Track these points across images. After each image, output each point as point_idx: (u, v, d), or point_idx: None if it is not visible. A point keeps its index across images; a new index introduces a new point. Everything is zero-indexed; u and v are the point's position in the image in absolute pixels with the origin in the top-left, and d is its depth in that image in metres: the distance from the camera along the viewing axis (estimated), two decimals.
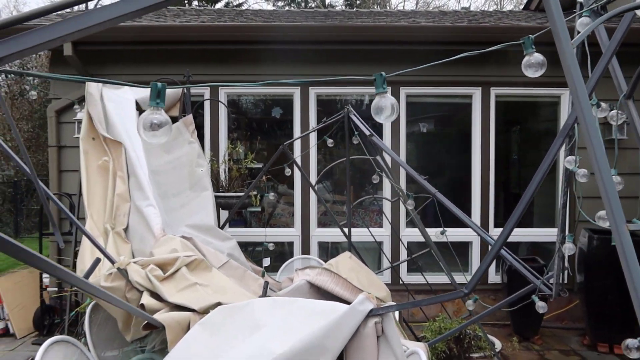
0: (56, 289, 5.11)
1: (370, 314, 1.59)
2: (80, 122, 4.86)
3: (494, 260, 5.45)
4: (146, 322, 2.06)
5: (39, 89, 14.12)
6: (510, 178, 7.36)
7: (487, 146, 5.42)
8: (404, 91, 5.36)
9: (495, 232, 5.48)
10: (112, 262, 2.33)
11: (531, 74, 1.14)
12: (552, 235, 5.22)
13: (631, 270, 0.96)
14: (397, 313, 2.92)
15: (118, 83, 2.44)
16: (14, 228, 13.28)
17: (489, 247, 4.92)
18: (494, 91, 5.40)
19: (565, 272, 5.46)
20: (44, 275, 5.22)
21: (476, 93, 5.40)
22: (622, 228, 0.95)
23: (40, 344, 4.79)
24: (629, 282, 0.96)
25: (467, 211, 5.44)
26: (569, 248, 1.94)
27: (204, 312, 2.08)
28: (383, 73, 1.11)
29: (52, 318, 5.11)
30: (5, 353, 4.66)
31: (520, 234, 5.59)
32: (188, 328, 2.06)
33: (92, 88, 3.61)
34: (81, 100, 5.08)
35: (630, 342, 1.15)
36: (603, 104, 1.66)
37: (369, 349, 1.58)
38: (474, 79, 5.31)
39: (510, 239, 5.20)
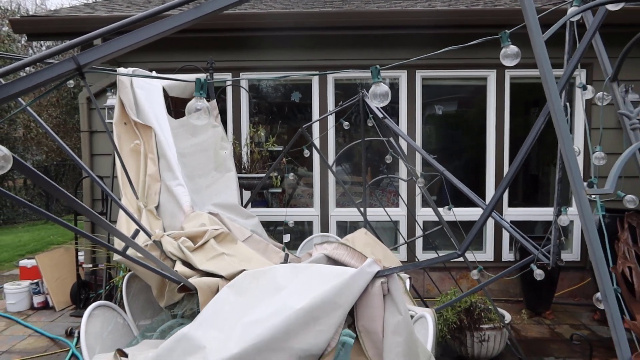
0: (91, 265, 5.46)
1: (377, 275, 1.80)
2: (110, 108, 5.14)
3: (510, 240, 5.61)
4: (180, 285, 2.31)
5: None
6: (526, 159, 7.44)
7: (501, 128, 5.54)
8: (419, 74, 5.49)
9: (509, 212, 5.63)
10: (148, 235, 2.58)
11: (508, 63, 1.32)
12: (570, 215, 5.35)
13: (589, 232, 1.14)
14: (407, 282, 3.12)
15: (148, 76, 2.66)
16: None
17: (502, 228, 5.03)
18: (508, 73, 5.49)
19: (579, 248, 5.55)
20: (80, 252, 5.57)
21: (491, 75, 5.50)
22: (581, 193, 1.13)
23: (78, 316, 5.17)
24: (588, 244, 1.15)
25: (482, 192, 5.59)
26: (563, 220, 2.11)
27: (231, 278, 2.32)
28: (377, 66, 1.30)
29: (88, 292, 5.47)
30: (46, 323, 5.03)
31: (537, 213, 5.72)
32: (217, 292, 2.30)
33: (123, 76, 3.86)
34: (112, 86, 5.35)
35: (597, 295, 1.33)
36: (589, 87, 1.81)
37: (376, 305, 1.80)
38: (489, 61, 5.39)
39: (527, 218, 5.33)
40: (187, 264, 2.54)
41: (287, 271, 2.11)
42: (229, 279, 2.35)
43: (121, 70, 3.98)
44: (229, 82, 5.43)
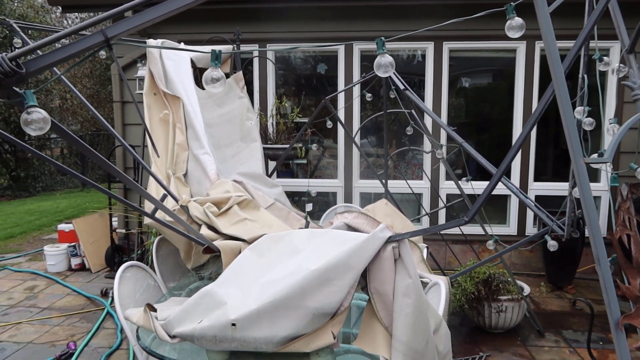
0: (124, 230, 5.72)
1: (389, 240, 1.88)
2: (140, 79, 5.28)
3: (535, 214, 5.59)
4: (205, 247, 2.45)
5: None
6: (556, 134, 7.31)
7: (529, 101, 5.46)
8: (446, 46, 5.43)
9: (534, 186, 5.59)
10: (176, 200, 2.72)
11: (512, 35, 1.34)
12: (595, 190, 5.28)
13: (586, 199, 1.19)
14: (425, 251, 3.20)
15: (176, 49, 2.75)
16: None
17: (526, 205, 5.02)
18: (538, 45, 5.38)
19: (606, 223, 5.48)
20: (114, 218, 5.83)
21: (520, 47, 5.40)
22: (579, 162, 1.18)
23: (112, 278, 5.43)
24: (584, 207, 1.20)
25: (508, 167, 5.55)
26: (577, 192, 2.13)
27: (252, 241, 2.44)
28: (382, 38, 1.36)
29: (121, 256, 5.75)
30: (83, 284, 5.33)
31: (561, 188, 5.66)
32: (239, 254, 2.43)
33: (152, 48, 3.97)
34: (142, 58, 5.49)
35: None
36: (606, 58, 1.81)
37: (387, 269, 1.88)
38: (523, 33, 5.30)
39: (554, 193, 5.29)
40: (212, 228, 2.67)
41: (305, 236, 2.21)
42: (250, 242, 2.47)
43: (150, 41, 4.09)
44: (256, 54, 5.49)
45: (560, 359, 3.71)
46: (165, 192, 3.16)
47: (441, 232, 5.25)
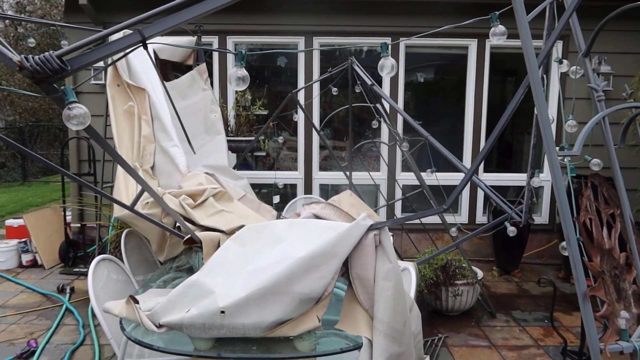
0: (79, 225, 5.56)
1: (370, 228, 2.01)
2: (95, 68, 5.14)
3: (484, 204, 5.92)
4: (186, 238, 2.48)
5: (34, 34, 14.11)
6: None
7: (480, 96, 5.75)
8: (403, 42, 5.62)
9: (484, 177, 5.91)
10: (153, 194, 2.72)
11: (496, 41, 1.49)
12: (542, 180, 5.65)
13: (558, 187, 1.35)
14: (391, 239, 3.35)
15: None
16: (21, 173, 13.68)
17: (477, 189, 5.32)
18: (489, 43, 5.66)
19: (548, 212, 5.89)
20: (67, 212, 5.65)
21: (472, 45, 5.67)
22: (553, 155, 1.34)
23: (68, 274, 5.29)
24: (557, 194, 1.36)
25: (459, 157, 5.84)
26: (535, 182, 2.34)
27: (231, 232, 2.50)
28: (387, 42, 1.46)
29: (76, 251, 5.60)
30: (37, 281, 5.16)
31: (510, 179, 6.02)
32: (218, 245, 2.49)
33: (115, 37, 3.90)
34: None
35: (563, 243, 1.56)
36: (565, 61, 2.00)
37: (369, 255, 2.01)
38: (471, 30, 5.56)
39: (500, 184, 5.63)
40: (188, 220, 2.70)
41: (286, 225, 2.29)
42: (229, 233, 2.53)
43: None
44: (215, 47, 5.47)
45: (511, 337, 3.99)
46: (133, 189, 3.15)
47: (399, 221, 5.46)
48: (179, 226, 2.65)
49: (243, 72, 1.37)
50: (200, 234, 2.45)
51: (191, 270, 3.02)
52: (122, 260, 3.21)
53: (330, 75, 4.17)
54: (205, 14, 1.27)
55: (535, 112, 2.29)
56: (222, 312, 1.92)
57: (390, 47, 1.51)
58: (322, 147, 5.91)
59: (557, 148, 1.68)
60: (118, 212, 2.92)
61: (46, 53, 0.98)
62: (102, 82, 4.45)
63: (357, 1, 5.39)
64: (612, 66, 5.51)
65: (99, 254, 5.08)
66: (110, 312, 2.28)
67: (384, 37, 5.60)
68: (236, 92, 5.50)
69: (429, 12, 5.44)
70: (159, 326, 2.03)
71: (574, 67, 1.99)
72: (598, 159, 2.02)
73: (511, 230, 2.53)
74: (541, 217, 5.97)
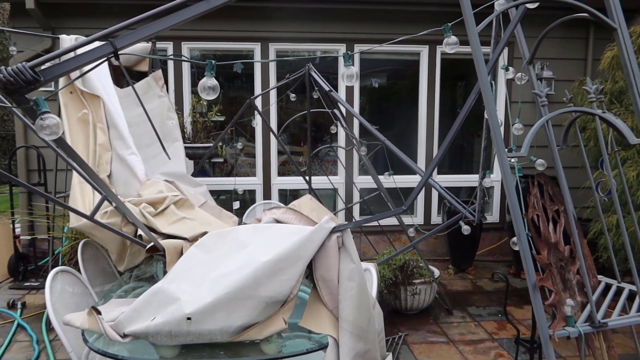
0: (29, 237, 5.36)
1: (333, 230, 2.07)
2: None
3: (438, 205, 6.12)
4: (149, 247, 2.46)
5: None
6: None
7: (432, 100, 5.95)
8: (357, 48, 5.74)
9: (438, 179, 6.11)
10: (110, 202, 2.67)
11: (449, 50, 1.59)
12: (492, 180, 5.90)
13: (509, 189, 1.45)
14: None
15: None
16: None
17: (432, 190, 5.47)
18: (439, 49, 5.87)
19: (498, 211, 6.12)
20: (16, 224, 5.43)
21: (424, 51, 5.86)
22: (503, 156, 1.44)
23: (18, 289, 5.09)
24: (507, 193, 1.46)
25: (414, 160, 6.01)
26: (486, 182, 2.47)
27: (194, 239, 2.51)
28: (349, 52, 1.53)
29: (26, 265, 5.38)
30: None
31: (462, 180, 6.25)
32: (181, 253, 2.49)
33: (66, 42, 3.81)
34: (47, 52, 5.17)
35: (514, 239, 1.66)
36: (511, 68, 2.14)
37: (332, 256, 2.07)
38: (422, 37, 5.75)
39: (453, 184, 5.84)
40: (149, 228, 2.68)
41: (250, 230, 2.32)
42: (192, 240, 2.53)
43: (63, 37, 3.91)
44: (170, 53, 5.42)
45: (468, 332, 4.15)
46: (89, 197, 3.09)
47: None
48: (139, 235, 2.62)
49: (213, 81, 1.40)
50: (163, 242, 2.45)
51: (152, 280, 2.99)
52: (79, 272, 3.14)
53: (287, 82, 4.23)
54: (178, 24, 1.29)
55: (486, 115, 2.42)
56: (189, 318, 1.93)
57: (350, 55, 1.58)
58: (280, 153, 5.94)
59: (506, 150, 1.80)
60: (75, 222, 2.86)
61: (19, 64, 0.97)
62: (52, 89, 4.32)
63: (312, 8, 5.46)
64: (554, 71, 5.83)
65: (52, 266, 4.92)
66: (72, 324, 2.24)
67: (339, 43, 5.71)
68: (192, 98, 5.46)
69: (382, 19, 5.60)
70: (124, 336, 2.01)
71: (519, 73, 2.13)
72: (543, 159, 2.16)
73: (465, 229, 2.65)
74: (492, 216, 6.22)
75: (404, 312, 4.48)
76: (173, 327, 1.94)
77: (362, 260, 5.01)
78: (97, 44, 1.26)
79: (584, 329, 1.54)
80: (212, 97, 1.42)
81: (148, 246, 2.47)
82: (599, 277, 2.01)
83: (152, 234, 2.55)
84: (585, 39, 5.95)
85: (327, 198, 6.27)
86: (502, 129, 5.78)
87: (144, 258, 2.90)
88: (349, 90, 5.78)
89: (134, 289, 2.80)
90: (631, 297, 1.92)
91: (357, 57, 5.79)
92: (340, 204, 5.86)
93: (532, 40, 2.16)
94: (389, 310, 4.54)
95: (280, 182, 5.94)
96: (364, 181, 5.85)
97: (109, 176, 3.41)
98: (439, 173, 6.18)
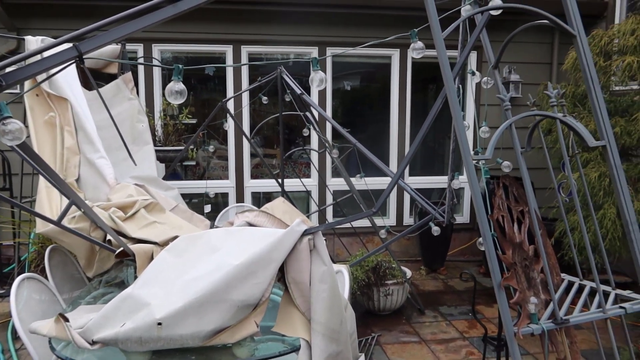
0: None
1: (305, 233, 2.08)
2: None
3: (410, 206, 6.19)
4: (118, 252, 2.43)
5: None
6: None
7: (403, 103, 6.03)
8: (329, 51, 5.78)
9: (410, 180, 6.19)
10: (79, 207, 2.63)
11: (416, 55, 1.63)
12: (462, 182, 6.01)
13: (475, 191, 1.49)
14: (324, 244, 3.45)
15: None
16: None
17: (404, 192, 5.55)
18: (410, 53, 5.95)
19: (469, 212, 6.23)
20: None
21: (395, 55, 5.94)
22: (468, 159, 1.48)
23: None
24: (473, 195, 1.50)
25: (386, 161, 6.08)
26: (455, 184, 2.52)
27: (165, 244, 2.48)
28: (316, 57, 1.54)
29: None
30: None
31: (433, 181, 6.34)
32: (152, 257, 2.46)
33: (32, 44, 3.72)
34: (12, 53, 5.04)
35: (479, 239, 1.71)
36: (477, 73, 2.20)
37: (304, 259, 2.08)
38: (394, 41, 5.82)
39: (424, 186, 5.92)
40: (119, 233, 2.64)
41: (221, 234, 2.31)
42: (162, 245, 2.50)
43: (28, 39, 3.82)
44: (140, 55, 5.35)
45: (439, 331, 4.22)
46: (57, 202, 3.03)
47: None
48: (109, 240, 2.58)
49: (180, 86, 1.40)
50: (133, 247, 2.41)
51: (122, 285, 2.95)
52: (46, 278, 3.07)
53: (259, 85, 4.22)
54: (144, 29, 1.29)
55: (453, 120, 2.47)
56: (159, 323, 1.91)
57: (318, 60, 1.60)
58: (253, 155, 5.93)
59: (472, 152, 1.84)
60: (41, 227, 2.79)
61: None
62: (16, 91, 4.21)
63: (284, 11, 5.47)
64: (521, 75, 5.98)
65: (18, 273, 4.79)
66: (38, 332, 2.19)
67: (311, 46, 5.73)
68: (163, 100, 5.40)
69: (354, 23, 5.64)
70: (93, 343, 1.98)
71: (485, 78, 2.19)
72: (510, 161, 2.22)
73: (435, 230, 2.70)
74: (463, 217, 6.34)
75: (377, 313, 4.52)
76: (143, 332, 1.92)
77: (335, 262, 5.05)
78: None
79: (546, 325, 1.59)
80: (179, 101, 1.41)
81: (117, 251, 2.43)
82: (563, 275, 2.08)
83: (122, 238, 2.52)
84: (550, 44, 6.13)
85: (300, 200, 6.29)
86: (470, 131, 5.90)
87: (113, 263, 2.86)
88: (322, 92, 5.81)
89: (104, 295, 2.76)
90: (594, 293, 1.99)
91: (329, 60, 5.82)
92: (314, 207, 5.88)
93: (499, 45, 2.23)
94: (363, 312, 4.57)
95: (253, 185, 5.93)
96: (337, 183, 5.88)
97: (77, 180, 3.34)
98: (410, 175, 6.26)
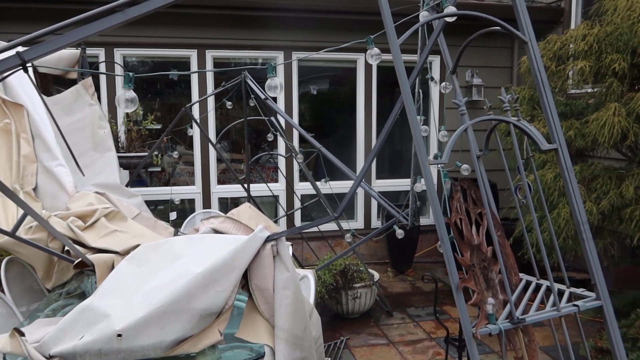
0: None
1: (268, 239, 2.07)
2: None
3: (378, 209, 6.25)
4: (76, 262, 2.36)
5: None
6: (390, 137, 8.21)
7: (369, 106, 6.08)
8: (295, 55, 5.79)
9: (377, 183, 6.25)
10: (37, 217, 2.55)
11: (372, 62, 1.65)
12: (424, 185, 6.10)
13: (431, 195, 1.52)
14: (290, 249, 3.45)
15: None
16: None
17: (371, 197, 5.57)
18: (368, 59, 6.01)
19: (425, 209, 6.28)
20: None
21: (360, 59, 5.99)
22: (425, 163, 1.50)
23: None
24: (430, 198, 1.52)
25: (354, 166, 6.11)
26: (417, 187, 2.56)
27: (126, 253, 2.42)
28: (273, 63, 1.55)
29: None
30: None
31: (401, 184, 6.41)
32: (112, 267, 2.40)
33: None
34: None
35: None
36: (435, 77, 2.24)
37: (267, 265, 2.07)
38: (359, 45, 5.86)
39: (392, 189, 5.98)
40: (78, 243, 2.57)
41: (184, 241, 2.28)
42: (123, 254, 2.44)
43: None
44: (102, 59, 5.24)
45: (407, 333, 4.27)
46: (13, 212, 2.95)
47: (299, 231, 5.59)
48: (67, 250, 2.51)
49: (131, 94, 1.38)
50: (92, 257, 2.36)
51: (83, 296, 2.87)
52: (2, 292, 2.97)
53: (225, 89, 4.19)
54: (91, 36, 1.26)
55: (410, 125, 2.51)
56: (119, 335, 1.87)
57: (273, 67, 1.60)
58: (219, 161, 5.87)
59: (432, 156, 1.87)
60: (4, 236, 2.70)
61: None
62: None
63: (249, 15, 5.45)
64: (483, 79, 6.12)
65: None
66: None
67: (277, 50, 5.73)
68: None
69: (320, 27, 5.66)
70: (50, 357, 1.92)
71: (444, 82, 2.23)
72: (471, 164, 2.27)
73: (399, 233, 2.73)
74: (429, 219, 6.43)
75: (345, 317, 4.54)
76: (103, 345, 1.88)
77: (304, 266, 5.05)
78: (8, 53, 1.21)
79: (504, 325, 1.63)
80: (131, 109, 1.39)
81: (76, 262, 2.37)
82: (521, 274, 2.13)
83: (81, 248, 2.45)
84: (510, 48, 6.29)
85: (269, 205, 6.26)
86: (434, 136, 5.98)
87: (73, 274, 2.78)
88: (288, 97, 5.81)
89: (64, 307, 2.68)
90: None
91: (295, 65, 5.83)
92: (282, 211, 5.87)
93: (457, 50, 2.28)
94: (331, 315, 4.58)
95: (220, 191, 5.87)
96: (305, 187, 5.89)
97: (35, 189, 3.24)
98: (377, 178, 6.32)
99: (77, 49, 4.33)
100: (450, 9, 1.67)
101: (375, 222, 6.27)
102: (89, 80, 4.19)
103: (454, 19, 1.71)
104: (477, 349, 3.88)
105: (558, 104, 3.89)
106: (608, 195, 3.23)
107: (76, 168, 3.62)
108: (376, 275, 4.75)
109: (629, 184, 3.21)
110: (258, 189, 5.59)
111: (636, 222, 3.11)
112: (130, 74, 1.37)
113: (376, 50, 1.67)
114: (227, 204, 6.02)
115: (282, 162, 5.92)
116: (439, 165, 2.06)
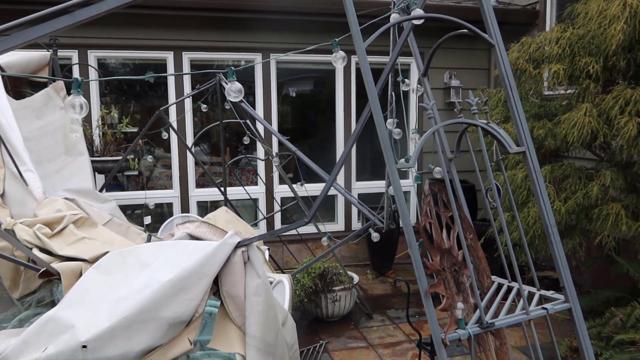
0: None
1: (238, 245, 2.04)
2: None
3: (358, 211, 6.23)
4: (41, 272, 2.29)
5: None
6: (371, 138, 8.21)
7: (349, 109, 6.07)
8: (273, 57, 5.75)
9: (357, 185, 6.24)
10: None
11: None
12: (405, 186, 6.10)
13: (398, 196, 1.50)
14: (267, 253, 3.41)
15: None
16: None
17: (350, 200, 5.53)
18: (354, 59, 6.02)
19: (414, 215, 6.31)
20: None
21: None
22: (392, 167, 1.48)
23: None
24: (397, 202, 1.50)
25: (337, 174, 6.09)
26: (392, 190, 2.54)
27: (94, 261, 2.36)
28: (232, 67, 1.51)
29: None
30: None
31: (381, 186, 6.39)
32: (80, 275, 2.34)
33: None
34: None
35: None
36: (407, 80, 2.24)
37: (238, 272, 2.03)
38: (342, 47, 5.86)
39: (373, 191, 5.97)
40: (45, 251, 2.50)
41: (152, 249, 2.23)
42: (92, 262, 2.38)
43: None
44: (75, 61, 5.14)
45: (387, 335, 4.26)
46: None
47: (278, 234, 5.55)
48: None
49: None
50: (58, 265, 2.29)
51: (54, 305, 2.80)
52: None
53: (200, 91, 4.14)
54: (38, 39, 1.21)
55: (386, 124, 2.49)
56: (84, 346, 1.82)
57: (233, 72, 1.57)
58: (198, 164, 5.80)
59: (404, 159, 1.86)
60: None
61: None
62: None
63: (225, 17, 5.40)
64: (462, 80, 6.15)
65: None
66: None
67: (255, 52, 5.69)
68: (101, 109, 5.21)
69: (298, 29, 5.63)
70: None
71: (416, 85, 2.23)
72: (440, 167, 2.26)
73: (374, 237, 2.71)
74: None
75: (325, 320, 4.51)
76: (67, 356, 1.83)
77: (284, 270, 5.01)
78: None
79: (473, 330, 1.62)
80: (79, 115, 1.35)
81: (41, 271, 2.30)
82: (493, 277, 2.13)
83: (46, 257, 2.38)
84: (487, 50, 6.34)
85: (248, 208, 6.21)
86: (410, 138, 5.98)
87: (41, 282, 2.70)
88: (267, 99, 5.77)
89: (33, 317, 2.60)
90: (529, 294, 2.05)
91: (273, 67, 5.79)
92: (261, 215, 5.82)
93: (438, 51, 2.26)
94: (311, 319, 4.56)
95: (198, 194, 5.81)
96: (284, 190, 5.85)
97: (2, 195, 3.15)
98: (358, 180, 6.31)
99: (47, 51, 4.24)
100: (418, 11, 1.66)
101: (356, 225, 6.26)
102: (60, 83, 4.10)
103: (421, 21, 1.69)
104: (456, 350, 3.88)
105: (533, 106, 3.93)
106: (575, 195, 3.27)
107: (46, 173, 3.54)
108: (355, 278, 4.74)
109: (594, 185, 3.25)
110: (238, 192, 5.53)
111: (602, 221, 3.14)
112: (79, 78, 1.32)
113: (341, 53, 1.65)
114: (207, 208, 5.96)
115: (261, 165, 5.88)
116: (412, 170, 2.05)
